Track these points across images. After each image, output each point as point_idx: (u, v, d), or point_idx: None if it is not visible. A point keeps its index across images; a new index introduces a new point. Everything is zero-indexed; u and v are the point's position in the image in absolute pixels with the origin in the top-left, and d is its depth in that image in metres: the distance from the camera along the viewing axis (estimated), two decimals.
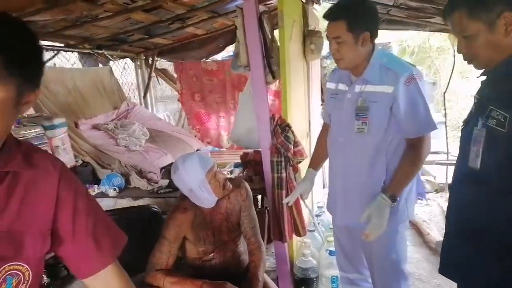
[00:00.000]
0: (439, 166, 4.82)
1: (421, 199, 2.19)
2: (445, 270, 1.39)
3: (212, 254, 1.82)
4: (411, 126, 1.72)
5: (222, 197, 1.83)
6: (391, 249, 1.87)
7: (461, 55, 1.30)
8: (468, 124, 1.31)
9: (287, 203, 2.31)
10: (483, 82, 1.32)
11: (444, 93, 4.82)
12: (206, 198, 1.77)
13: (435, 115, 1.78)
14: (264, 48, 2.44)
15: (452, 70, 4.47)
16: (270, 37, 2.52)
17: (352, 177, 1.89)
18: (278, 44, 2.54)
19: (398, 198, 1.73)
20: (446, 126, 4.84)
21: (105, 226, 1.02)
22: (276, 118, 2.55)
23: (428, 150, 1.74)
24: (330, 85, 2.00)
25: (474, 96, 1.35)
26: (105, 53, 4.70)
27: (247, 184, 1.97)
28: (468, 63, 1.27)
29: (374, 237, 1.72)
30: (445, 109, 4.84)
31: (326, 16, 1.77)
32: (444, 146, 4.83)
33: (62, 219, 0.93)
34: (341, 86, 1.91)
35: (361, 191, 1.86)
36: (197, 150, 4.48)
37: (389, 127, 1.75)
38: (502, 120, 1.11)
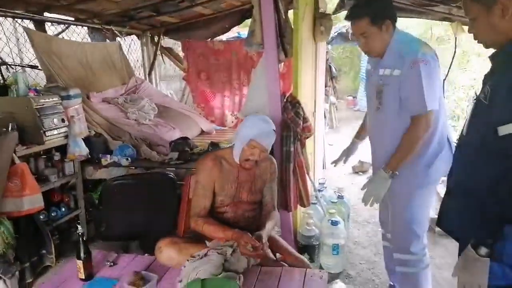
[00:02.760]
0: None
1: None
2: (440, 223, 1.57)
3: (227, 207, 1.98)
4: (409, 106, 1.88)
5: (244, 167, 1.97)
6: (405, 208, 2.04)
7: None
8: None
9: (334, 165, 2.47)
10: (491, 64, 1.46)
11: (444, 80, 4.94)
12: (236, 151, 1.94)
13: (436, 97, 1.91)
14: (278, 27, 2.57)
15: (452, 60, 4.60)
16: (284, 17, 2.64)
17: (378, 148, 2.14)
18: (292, 24, 2.66)
19: (397, 173, 1.93)
20: None
21: None
22: (286, 95, 2.69)
23: (425, 128, 1.87)
24: (368, 66, 2.20)
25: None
26: (113, 29, 4.77)
27: (276, 162, 2.14)
28: (478, 43, 1.41)
29: (369, 204, 2.00)
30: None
31: (349, 17, 1.95)
32: None
33: None
34: (372, 68, 2.11)
35: (384, 161, 2.03)
36: (202, 130, 4.62)
37: (401, 107, 1.91)
38: (486, 93, 1.28)
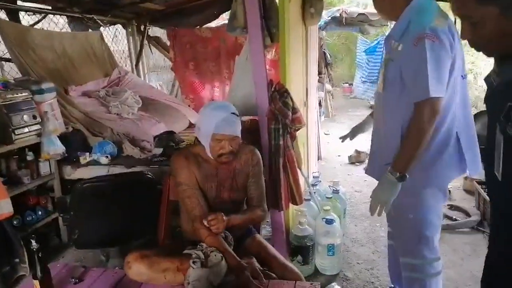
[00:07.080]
0: None
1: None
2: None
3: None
4: (412, 90, 1.61)
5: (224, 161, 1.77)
6: (408, 209, 1.78)
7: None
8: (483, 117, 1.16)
9: (342, 141, 2.28)
10: (496, 72, 1.09)
11: None
12: (207, 148, 1.76)
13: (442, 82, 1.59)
14: (262, 7, 2.33)
15: None
16: None
17: (375, 134, 1.94)
18: (277, 4, 2.42)
19: (407, 174, 1.63)
20: None
21: None
22: (274, 84, 2.46)
23: (429, 118, 1.56)
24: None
25: (486, 80, 1.13)
26: (95, 17, 4.51)
27: (259, 153, 1.93)
28: (477, 51, 1.07)
29: (376, 211, 1.71)
30: None
31: None
32: None
33: None
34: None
35: (378, 147, 1.88)
36: (190, 122, 4.39)
37: (403, 87, 1.64)
38: None
